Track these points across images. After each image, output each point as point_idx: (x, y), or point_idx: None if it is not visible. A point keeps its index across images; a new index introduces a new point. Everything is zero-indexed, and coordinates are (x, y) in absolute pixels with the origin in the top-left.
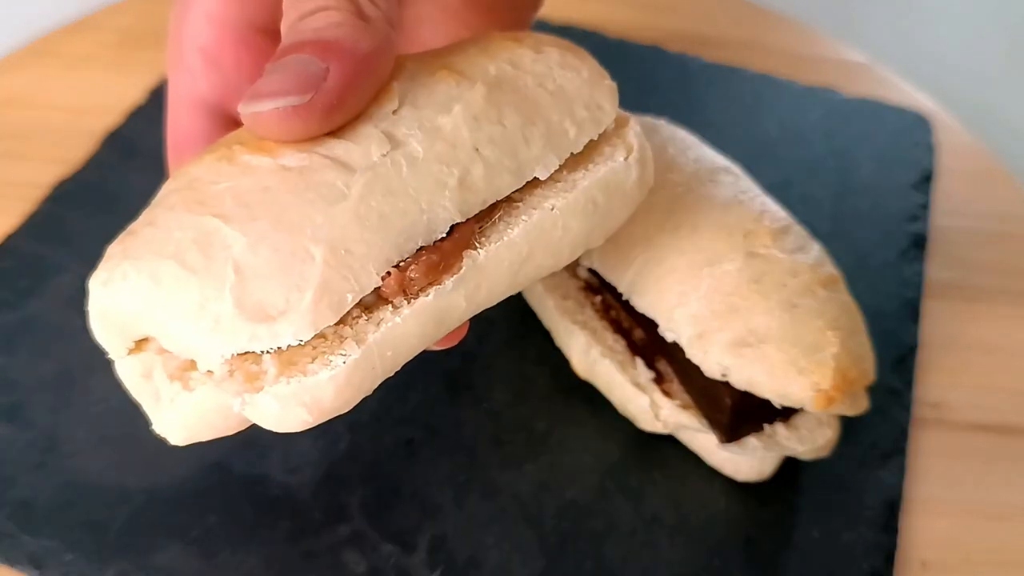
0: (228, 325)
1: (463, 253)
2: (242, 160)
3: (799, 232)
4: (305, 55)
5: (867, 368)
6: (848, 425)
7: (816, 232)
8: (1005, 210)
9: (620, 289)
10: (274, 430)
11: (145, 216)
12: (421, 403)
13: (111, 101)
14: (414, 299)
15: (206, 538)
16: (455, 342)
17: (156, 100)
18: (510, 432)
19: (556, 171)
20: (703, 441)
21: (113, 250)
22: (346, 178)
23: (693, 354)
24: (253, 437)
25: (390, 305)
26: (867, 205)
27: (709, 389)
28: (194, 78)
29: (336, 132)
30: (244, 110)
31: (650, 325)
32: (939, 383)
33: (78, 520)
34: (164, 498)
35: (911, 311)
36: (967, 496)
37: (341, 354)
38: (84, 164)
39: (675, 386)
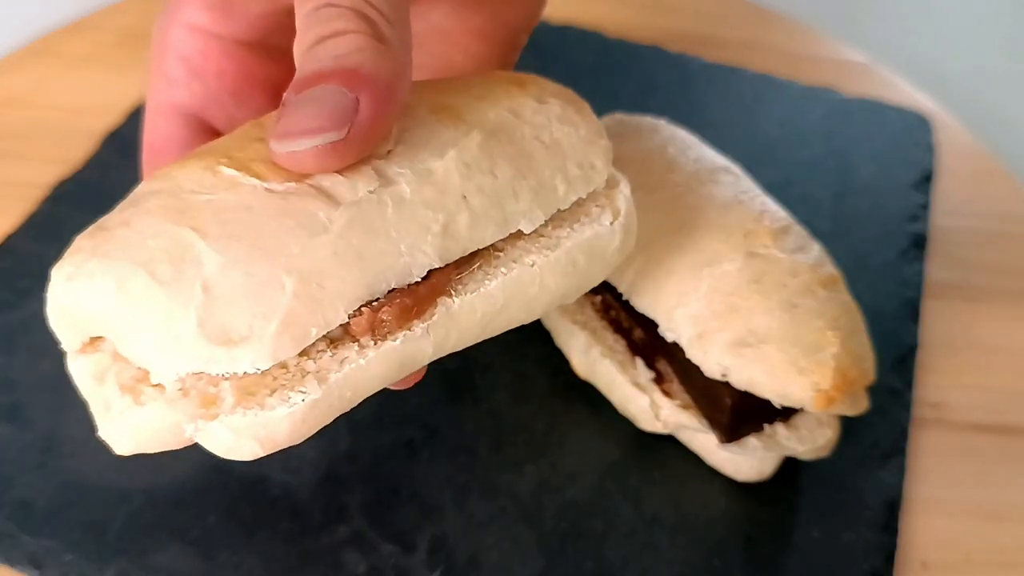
0: (188, 344)
1: (438, 300)
2: (227, 175)
3: (799, 232)
4: (332, 86)
5: (867, 368)
6: (848, 425)
7: (816, 232)
8: (1005, 210)
9: (620, 289)
10: (221, 456)
11: (119, 213)
12: (421, 403)
13: (111, 101)
14: (381, 341)
15: (206, 538)
16: (411, 384)
17: None
18: (510, 433)
19: (541, 225)
20: (703, 441)
21: (82, 243)
22: (329, 211)
23: (693, 354)
24: None
25: (356, 344)
26: (867, 205)
27: (709, 389)
28: (175, 86)
29: None
30: (279, 148)
31: (650, 325)
32: (939, 383)
33: (78, 520)
34: (164, 498)
35: (911, 311)
36: (967, 496)
37: (301, 391)
38: (84, 164)
39: (675, 386)
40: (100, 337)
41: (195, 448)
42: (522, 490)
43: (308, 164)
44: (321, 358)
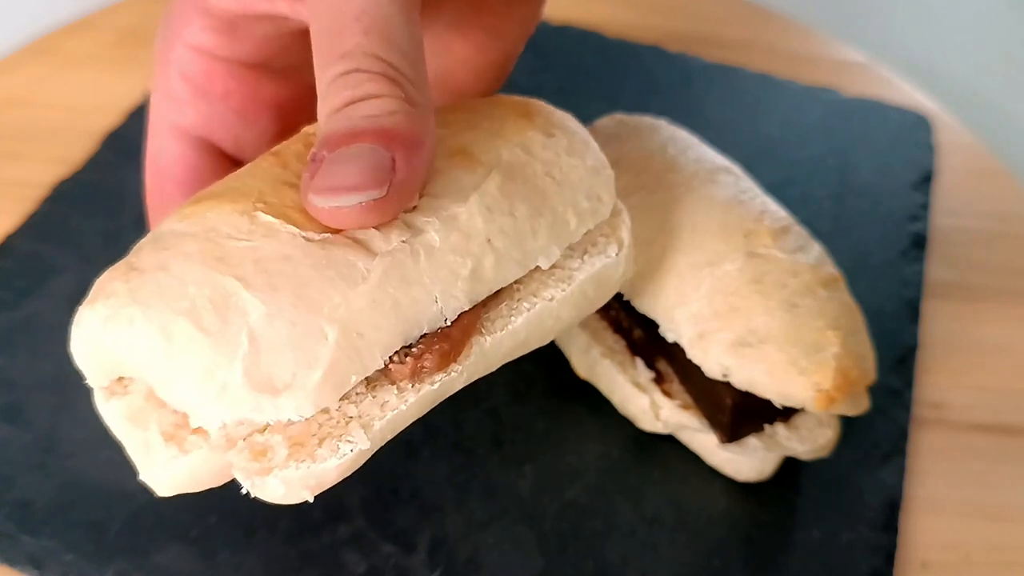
0: (234, 393)
1: (472, 340)
2: (264, 221)
3: (799, 232)
4: (368, 145)
5: (868, 368)
6: (848, 425)
7: (816, 232)
8: (1005, 210)
9: (620, 289)
10: (272, 502)
11: (154, 255)
12: None
13: (111, 101)
14: (420, 385)
15: (206, 538)
16: None
17: None
18: (510, 432)
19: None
20: (703, 441)
21: (115, 286)
22: (366, 261)
23: (694, 354)
24: None
25: (395, 387)
26: (867, 205)
27: (710, 389)
28: (180, 107)
29: None
30: (322, 204)
31: (650, 325)
32: (939, 383)
33: (78, 520)
34: (164, 498)
35: (911, 311)
36: (967, 496)
37: (349, 441)
38: (84, 164)
39: (675, 386)
40: (130, 378)
41: None
42: (522, 490)
43: (350, 220)
44: (362, 402)
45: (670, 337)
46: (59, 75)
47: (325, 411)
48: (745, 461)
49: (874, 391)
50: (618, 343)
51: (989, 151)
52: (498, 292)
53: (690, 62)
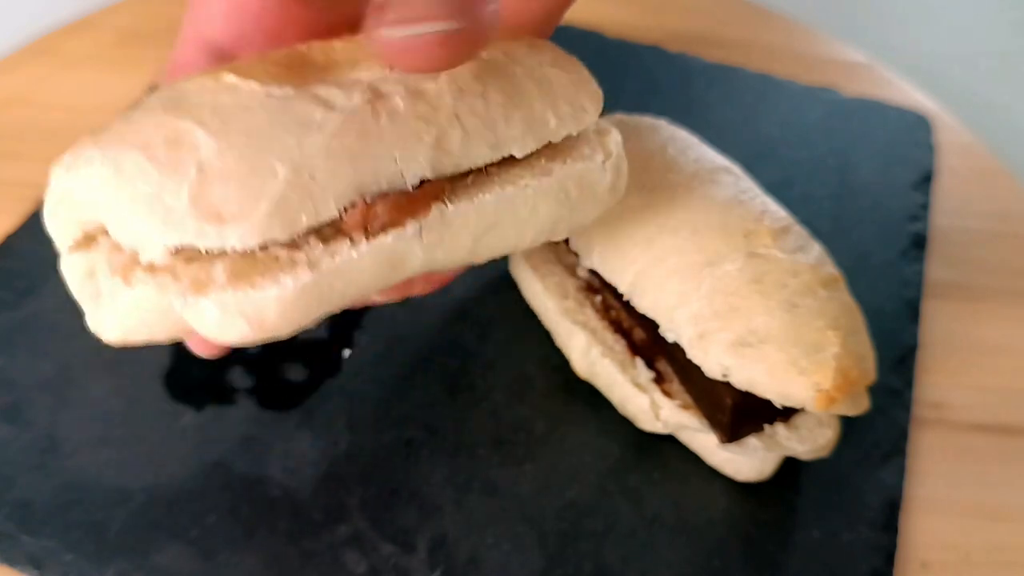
0: (178, 219)
1: (432, 204)
2: (228, 81)
3: (799, 232)
4: None
5: (868, 368)
6: (848, 425)
7: (816, 232)
8: (1005, 210)
9: (621, 290)
10: (212, 338)
11: (121, 117)
12: (421, 403)
13: (111, 101)
14: (373, 238)
15: (206, 538)
16: (401, 297)
17: None
18: (510, 432)
19: (535, 158)
20: (703, 441)
21: (83, 140)
22: (325, 113)
23: (694, 354)
24: (253, 437)
25: (348, 239)
26: (867, 205)
27: (710, 389)
28: (212, 19)
29: (323, 77)
30: (391, 34)
31: (650, 325)
32: (939, 383)
33: (78, 520)
34: (164, 498)
35: (911, 311)
36: (967, 496)
37: (292, 276)
38: None
39: (675, 386)
40: (94, 237)
41: (195, 448)
42: (522, 490)
43: (421, 55)
44: (313, 252)
45: (670, 337)
46: (59, 75)
47: (275, 257)
48: (745, 461)
49: (874, 391)
50: (618, 343)
51: (989, 151)
52: (469, 172)
53: (690, 62)
